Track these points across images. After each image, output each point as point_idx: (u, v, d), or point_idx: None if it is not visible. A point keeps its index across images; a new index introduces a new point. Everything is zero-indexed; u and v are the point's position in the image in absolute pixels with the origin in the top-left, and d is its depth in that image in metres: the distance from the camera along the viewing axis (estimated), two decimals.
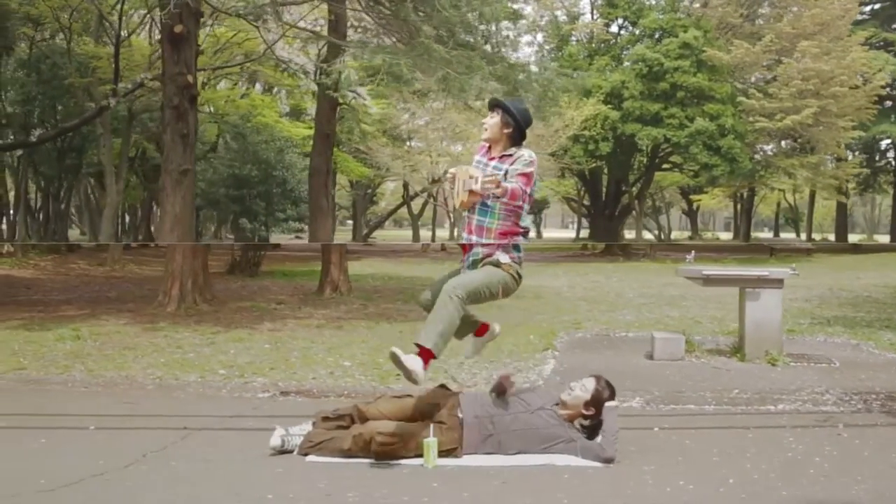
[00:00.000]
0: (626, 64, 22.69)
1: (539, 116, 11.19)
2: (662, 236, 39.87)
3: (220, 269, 15.67)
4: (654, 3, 24.20)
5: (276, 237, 20.56)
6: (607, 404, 3.82)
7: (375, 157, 21.23)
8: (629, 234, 33.43)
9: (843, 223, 32.76)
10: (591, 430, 3.84)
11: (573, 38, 24.19)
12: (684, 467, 3.65)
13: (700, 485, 3.40)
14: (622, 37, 24.98)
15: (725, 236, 51.58)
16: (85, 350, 6.85)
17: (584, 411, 3.83)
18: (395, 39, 9.79)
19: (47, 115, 18.54)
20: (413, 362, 3.50)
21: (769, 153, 25.61)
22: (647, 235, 34.87)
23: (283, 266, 19.27)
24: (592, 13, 25.66)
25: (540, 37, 20.35)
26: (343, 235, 30.05)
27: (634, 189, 26.70)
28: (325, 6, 11.41)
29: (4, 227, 22.19)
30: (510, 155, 3.92)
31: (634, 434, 4.13)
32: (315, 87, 15.14)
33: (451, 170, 3.99)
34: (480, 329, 4.16)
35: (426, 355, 3.53)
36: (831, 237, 37.30)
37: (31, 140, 15.86)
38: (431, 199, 28.64)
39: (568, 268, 20.24)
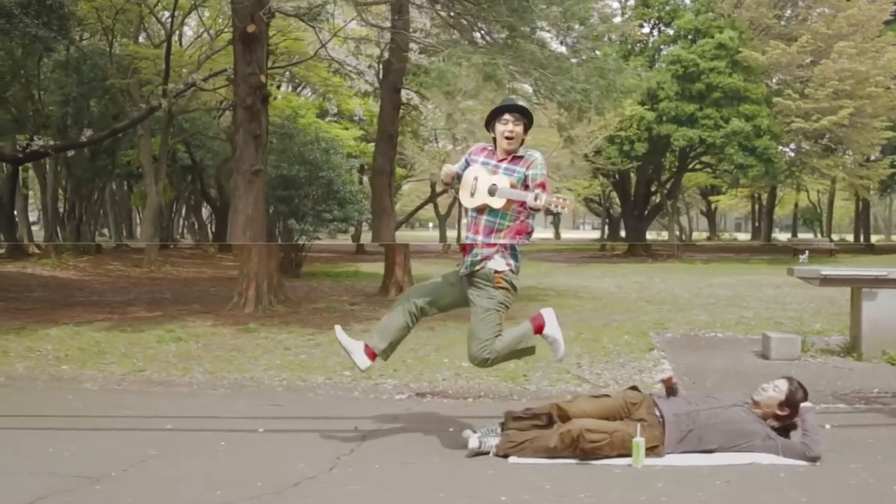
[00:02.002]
0: (660, 64, 22.68)
1: (588, 117, 11.21)
2: (684, 237, 39.89)
3: None
4: (688, 3, 24.20)
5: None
6: (803, 405, 3.82)
7: (411, 157, 21.18)
8: (648, 235, 33.42)
9: (865, 223, 32.79)
10: (784, 431, 3.84)
11: (605, 38, 24.19)
12: (891, 466, 3.64)
13: None
14: (655, 38, 24.99)
15: (738, 237, 51.62)
16: (192, 352, 6.83)
17: (778, 412, 3.82)
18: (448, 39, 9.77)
19: (82, 117, 18.47)
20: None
21: (790, 153, 25.62)
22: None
23: (314, 266, 19.20)
24: (623, 13, 25.67)
25: (570, 39, 20.32)
26: (365, 236, 30.01)
27: (664, 189, 26.67)
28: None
29: (41, 228, 22.13)
30: (520, 157, 3.77)
31: None
32: (368, 88, 15.21)
33: (476, 173, 3.82)
34: (372, 354, 3.95)
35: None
36: (848, 237, 37.34)
37: (81, 141, 15.74)
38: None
39: (603, 269, 20.17)
